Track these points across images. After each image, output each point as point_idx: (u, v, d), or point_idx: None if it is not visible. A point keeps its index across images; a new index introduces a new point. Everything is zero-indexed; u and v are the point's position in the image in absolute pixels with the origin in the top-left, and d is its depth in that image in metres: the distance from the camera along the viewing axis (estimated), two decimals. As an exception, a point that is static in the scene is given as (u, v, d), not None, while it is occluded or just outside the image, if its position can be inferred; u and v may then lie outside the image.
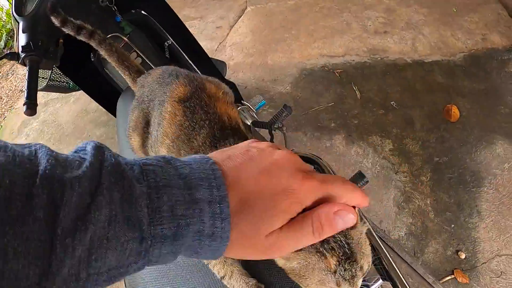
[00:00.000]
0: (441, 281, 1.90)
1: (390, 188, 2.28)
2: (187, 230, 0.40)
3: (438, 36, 3.09)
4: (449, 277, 1.92)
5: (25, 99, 1.22)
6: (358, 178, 1.17)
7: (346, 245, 0.53)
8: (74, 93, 2.74)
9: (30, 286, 0.32)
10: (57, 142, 3.33)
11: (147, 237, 0.38)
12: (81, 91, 1.98)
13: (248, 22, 3.69)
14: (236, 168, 0.45)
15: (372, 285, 0.84)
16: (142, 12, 1.74)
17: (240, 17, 3.81)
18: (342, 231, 0.53)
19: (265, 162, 0.46)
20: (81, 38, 1.18)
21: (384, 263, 0.84)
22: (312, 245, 0.52)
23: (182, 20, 1.76)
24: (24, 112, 1.21)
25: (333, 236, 0.53)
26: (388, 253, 0.86)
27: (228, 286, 0.77)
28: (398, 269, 0.83)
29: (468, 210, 2.13)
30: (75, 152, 0.40)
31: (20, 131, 3.61)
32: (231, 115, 0.82)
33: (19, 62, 1.33)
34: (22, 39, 1.34)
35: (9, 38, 5.38)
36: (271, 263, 0.61)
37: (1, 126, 3.81)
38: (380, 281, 0.84)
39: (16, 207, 0.31)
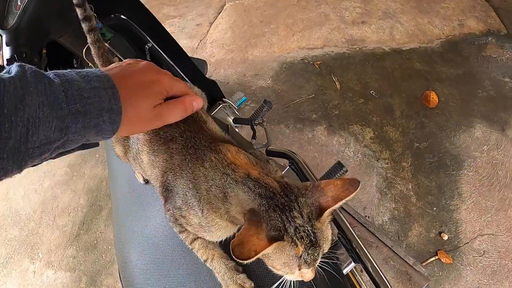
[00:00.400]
0: (425, 263, 1.94)
1: (372, 175, 2.32)
2: (92, 106, 0.55)
3: (415, 23, 3.14)
4: (433, 258, 1.97)
5: None
6: (337, 168, 1.21)
7: (312, 234, 0.63)
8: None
9: None
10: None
11: (66, 114, 0.53)
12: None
13: (228, 18, 3.70)
14: (119, 72, 0.63)
15: (345, 268, 0.90)
16: (122, 16, 1.75)
17: (219, 13, 3.82)
18: (309, 219, 0.63)
19: (138, 66, 0.67)
20: (83, 26, 1.21)
21: (355, 246, 0.88)
22: (287, 232, 0.62)
23: (161, 19, 1.78)
24: None
25: (302, 226, 0.63)
26: (358, 238, 0.90)
27: (210, 267, 0.85)
28: (367, 251, 0.88)
29: (449, 193, 2.18)
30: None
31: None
32: (206, 118, 0.89)
33: None
34: (6, 52, 1.35)
35: None
36: None
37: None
38: (352, 263, 0.90)
39: None
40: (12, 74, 0.51)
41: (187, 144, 0.81)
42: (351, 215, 1.65)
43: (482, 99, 2.53)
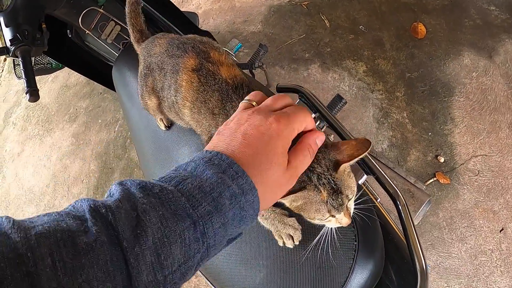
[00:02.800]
0: (425, 184, 2.05)
1: (368, 107, 2.39)
2: (222, 198, 0.48)
3: None
4: (431, 180, 2.08)
5: (26, 87, 1.27)
6: (337, 100, 1.28)
7: (332, 182, 0.71)
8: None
9: None
10: (46, 124, 3.35)
11: (196, 219, 0.46)
12: (64, 68, 2.02)
13: None
14: (229, 144, 0.55)
15: (359, 180, 0.99)
16: None
17: None
18: (328, 168, 0.71)
19: (246, 126, 0.57)
20: None
21: (365, 160, 0.98)
22: (311, 180, 0.70)
23: None
24: (29, 100, 1.26)
25: (323, 174, 0.71)
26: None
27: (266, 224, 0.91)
28: (376, 164, 0.98)
29: (442, 118, 2.27)
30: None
31: (6, 121, 3.61)
32: (234, 73, 0.95)
33: (10, 55, 1.37)
34: (7, 33, 1.37)
35: None
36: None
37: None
38: (365, 176, 0.99)
39: (80, 241, 0.38)
40: (117, 194, 0.45)
41: (229, 116, 0.88)
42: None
43: (469, 28, 2.55)
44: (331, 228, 0.82)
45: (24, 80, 1.29)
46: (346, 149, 0.72)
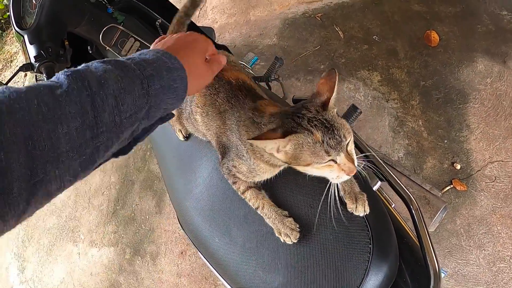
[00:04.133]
0: (442, 192, 2.07)
1: (384, 116, 2.42)
2: (161, 68, 0.66)
3: None
4: (448, 187, 2.10)
5: None
6: (352, 111, 1.32)
7: (324, 121, 0.77)
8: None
9: (87, 139, 0.53)
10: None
11: (142, 79, 0.62)
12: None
13: None
14: (162, 43, 0.80)
15: (373, 186, 1.03)
16: None
17: None
18: (317, 111, 0.79)
19: (175, 36, 0.83)
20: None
21: (380, 168, 1.03)
22: (300, 125, 0.77)
23: None
24: None
25: (314, 117, 0.77)
26: (381, 160, 1.05)
27: (261, 214, 0.99)
28: (390, 171, 1.02)
29: (458, 126, 2.28)
30: None
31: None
32: (237, 76, 1.04)
33: (35, 71, 1.43)
34: (32, 50, 1.43)
35: None
36: (290, 197, 0.96)
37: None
38: (379, 182, 1.04)
39: (57, 90, 0.53)
40: (81, 67, 0.60)
41: (233, 108, 0.97)
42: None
43: (482, 34, 2.56)
44: (336, 186, 0.85)
45: None
46: (323, 89, 0.81)
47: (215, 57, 0.85)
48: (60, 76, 0.56)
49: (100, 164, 0.62)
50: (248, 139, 0.77)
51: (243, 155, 0.93)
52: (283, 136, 0.74)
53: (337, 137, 0.76)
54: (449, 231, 2.01)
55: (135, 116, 0.61)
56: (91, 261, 2.83)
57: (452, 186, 2.10)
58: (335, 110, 0.82)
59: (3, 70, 4.98)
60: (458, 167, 2.15)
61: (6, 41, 5.41)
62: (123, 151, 0.69)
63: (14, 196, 0.44)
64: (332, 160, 0.76)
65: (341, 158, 0.76)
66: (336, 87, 0.79)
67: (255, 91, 1.03)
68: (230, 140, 0.98)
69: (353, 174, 0.79)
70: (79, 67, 0.59)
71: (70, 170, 0.52)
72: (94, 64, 0.61)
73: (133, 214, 2.83)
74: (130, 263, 2.68)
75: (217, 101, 1.00)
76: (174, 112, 0.74)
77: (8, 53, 5.13)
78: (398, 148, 2.29)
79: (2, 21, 5.60)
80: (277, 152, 0.79)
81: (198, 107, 1.04)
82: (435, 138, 2.27)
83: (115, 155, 0.69)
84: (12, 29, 5.32)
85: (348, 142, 0.79)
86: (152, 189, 2.83)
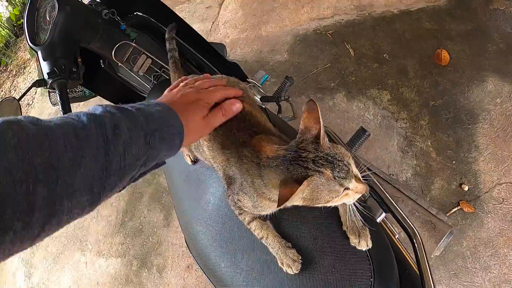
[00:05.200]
0: (449, 213, 2.08)
1: (392, 135, 2.44)
2: (163, 125, 0.73)
3: None
4: (455, 209, 2.11)
5: None
6: (360, 133, 1.35)
7: (325, 156, 0.79)
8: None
9: (97, 180, 0.59)
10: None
11: (147, 132, 0.68)
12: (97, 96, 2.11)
13: None
14: (169, 100, 0.85)
15: (377, 218, 1.06)
16: (139, 14, 1.82)
17: None
18: (316, 148, 0.80)
19: (180, 93, 0.89)
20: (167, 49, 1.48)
21: (384, 199, 1.05)
22: (308, 169, 0.78)
23: (171, 6, 1.83)
24: None
25: (316, 156, 0.79)
26: (386, 191, 1.07)
27: (265, 244, 1.01)
28: (394, 203, 1.05)
29: (466, 146, 2.29)
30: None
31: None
32: (248, 110, 1.05)
33: (48, 87, 1.46)
34: (45, 66, 1.45)
35: (1, 56, 5.52)
36: (294, 228, 0.98)
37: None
38: (383, 214, 1.06)
39: (80, 132, 0.59)
40: (99, 111, 0.66)
41: (237, 148, 0.99)
42: (377, 174, 1.77)
43: (493, 53, 2.57)
44: (353, 205, 0.87)
45: (61, 112, 1.38)
46: (309, 123, 0.82)
47: (219, 108, 0.90)
48: (82, 117, 0.62)
49: (100, 203, 0.66)
50: (277, 206, 0.78)
51: (247, 191, 0.96)
52: (300, 183, 0.77)
53: (344, 167, 0.78)
54: (455, 252, 2.01)
55: (136, 163, 0.68)
56: (98, 271, 2.86)
57: (459, 207, 2.10)
58: (327, 139, 0.84)
59: (16, 76, 5.08)
60: (466, 188, 2.16)
61: (20, 47, 5.52)
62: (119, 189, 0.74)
63: (33, 222, 0.50)
64: (346, 188, 0.79)
65: (352, 184, 0.79)
66: (321, 117, 0.81)
67: (257, 122, 1.05)
68: (235, 174, 1.01)
69: (365, 191, 0.83)
70: (98, 111, 0.65)
71: (79, 205, 0.58)
72: (110, 109, 0.67)
73: (141, 226, 2.86)
74: (137, 274, 2.70)
75: (219, 133, 1.02)
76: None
77: (22, 59, 5.24)
78: (406, 169, 2.30)
79: (16, 27, 5.69)
80: (297, 200, 0.82)
81: (205, 140, 1.06)
82: (444, 158, 2.28)
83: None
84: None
85: (352, 166, 0.82)
86: (161, 202, 2.87)
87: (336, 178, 0.77)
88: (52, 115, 3.93)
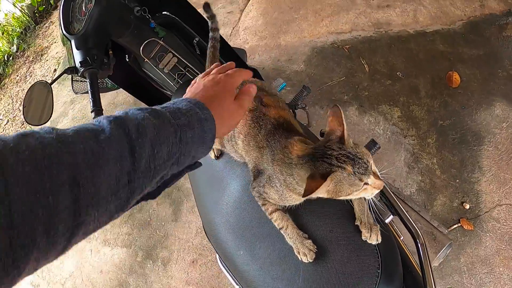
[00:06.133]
0: (449, 229, 2.16)
1: (400, 151, 2.51)
2: (193, 119, 0.70)
3: (437, 6, 3.21)
4: (456, 225, 2.19)
5: (92, 107, 1.42)
6: (371, 145, 1.44)
7: (347, 154, 0.89)
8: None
9: (124, 184, 0.56)
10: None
11: (176, 128, 0.66)
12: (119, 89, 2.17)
13: (258, 6, 3.81)
14: (194, 93, 0.83)
15: (386, 219, 1.16)
16: (168, 14, 1.90)
17: (249, 0, 3.93)
18: (340, 147, 0.90)
19: (202, 83, 0.86)
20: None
21: (392, 203, 1.16)
22: (332, 164, 0.88)
23: None
24: (93, 118, 1.41)
25: (339, 154, 0.89)
26: (395, 195, 1.18)
27: (284, 234, 1.10)
28: (402, 207, 1.16)
29: (470, 167, 2.37)
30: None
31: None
32: (280, 114, 1.16)
33: (79, 75, 1.52)
34: (77, 55, 1.51)
35: (20, 41, 5.58)
36: (311, 221, 1.09)
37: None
38: (391, 216, 1.16)
39: (100, 135, 0.56)
40: (120, 113, 0.64)
41: (270, 147, 1.09)
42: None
43: (502, 79, 2.64)
44: (371, 200, 0.97)
45: (91, 100, 1.44)
46: (334, 125, 0.93)
47: (244, 90, 0.89)
48: (102, 120, 0.59)
49: (131, 207, 0.64)
50: (303, 196, 0.86)
51: (276, 185, 1.05)
52: (325, 178, 0.85)
53: (363, 164, 0.87)
54: (452, 267, 2.08)
55: (167, 162, 0.65)
56: (103, 259, 2.88)
57: (459, 224, 2.18)
58: (351, 140, 0.94)
59: (33, 63, 5.13)
60: (467, 207, 2.23)
61: (38, 34, 5.56)
62: (152, 194, 0.71)
63: (58, 236, 0.47)
64: (365, 183, 0.88)
65: (371, 179, 0.88)
66: (344, 120, 0.91)
67: (292, 127, 1.14)
68: (266, 170, 1.10)
69: (382, 187, 0.92)
70: (119, 114, 0.63)
71: (107, 212, 0.55)
72: (132, 111, 0.64)
73: (149, 219, 2.90)
74: (141, 265, 2.73)
75: (258, 136, 1.11)
76: (201, 161, 0.80)
77: (40, 47, 5.29)
78: (411, 184, 2.38)
79: (36, 13, 5.72)
80: (322, 192, 0.91)
81: (241, 133, 1.15)
82: (448, 177, 2.36)
83: (144, 198, 0.69)
84: (45, 24, 5.56)
85: (371, 164, 0.91)
86: (171, 198, 2.91)
87: (356, 173, 0.87)
88: (67, 103, 4.04)
